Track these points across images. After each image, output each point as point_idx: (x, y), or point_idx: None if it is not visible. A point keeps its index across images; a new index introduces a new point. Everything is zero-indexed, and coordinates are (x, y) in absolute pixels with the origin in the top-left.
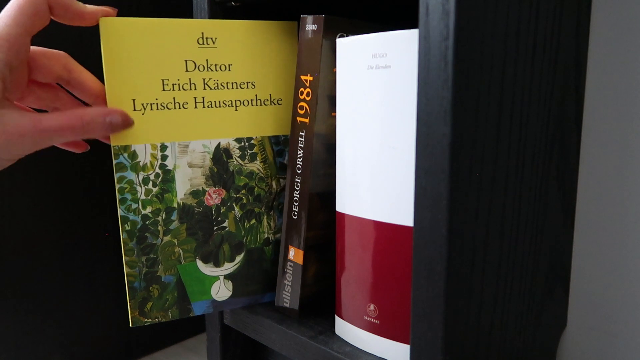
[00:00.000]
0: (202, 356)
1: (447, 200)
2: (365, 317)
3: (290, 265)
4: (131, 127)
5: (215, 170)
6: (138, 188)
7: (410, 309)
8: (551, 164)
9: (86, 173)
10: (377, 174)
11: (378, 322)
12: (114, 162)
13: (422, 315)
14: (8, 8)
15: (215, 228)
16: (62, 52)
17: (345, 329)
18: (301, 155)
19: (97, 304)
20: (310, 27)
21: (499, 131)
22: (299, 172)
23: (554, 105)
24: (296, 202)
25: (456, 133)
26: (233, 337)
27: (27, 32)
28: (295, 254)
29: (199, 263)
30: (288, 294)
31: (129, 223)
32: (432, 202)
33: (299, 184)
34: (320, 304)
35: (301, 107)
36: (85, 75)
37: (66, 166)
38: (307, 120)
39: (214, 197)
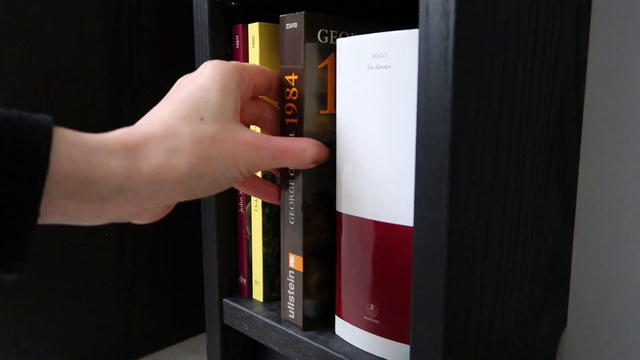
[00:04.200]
0: (202, 356)
1: (447, 200)
2: (365, 317)
3: (291, 274)
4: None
5: None
6: None
7: (410, 309)
8: (551, 164)
9: None
10: (377, 174)
11: (378, 322)
12: None
13: (422, 315)
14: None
15: None
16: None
17: (345, 329)
18: None
19: (97, 304)
20: (290, 25)
21: (499, 131)
22: (291, 174)
23: (554, 105)
24: (292, 207)
25: (456, 133)
26: (233, 337)
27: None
28: (295, 261)
29: None
30: (292, 305)
31: (268, 207)
32: (432, 202)
33: (292, 187)
34: (328, 314)
35: (288, 108)
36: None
37: None
38: (295, 121)
39: None
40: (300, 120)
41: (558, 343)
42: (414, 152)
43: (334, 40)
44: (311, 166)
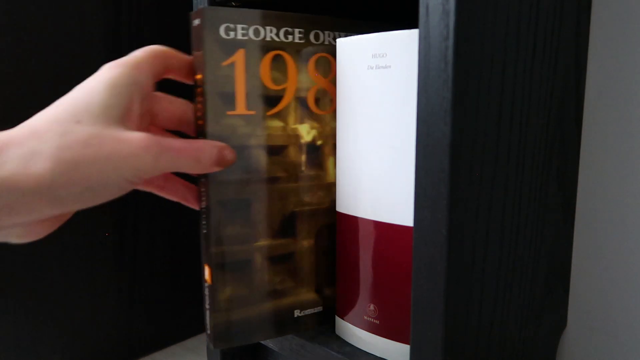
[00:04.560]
0: (202, 356)
1: (447, 200)
2: (365, 317)
3: (205, 287)
4: (230, 165)
5: None
6: None
7: (410, 309)
8: (551, 164)
9: None
10: (376, 174)
11: (378, 322)
12: None
13: (422, 315)
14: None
15: None
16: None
17: (345, 329)
18: None
19: (97, 304)
20: (195, 22)
21: (499, 131)
22: (202, 180)
23: (554, 105)
24: (203, 214)
25: (456, 133)
26: None
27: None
28: (208, 273)
29: None
30: (208, 319)
31: None
32: (432, 202)
33: (204, 193)
34: (250, 337)
35: (198, 109)
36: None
37: None
38: (202, 123)
39: None
40: (205, 121)
41: (558, 343)
42: (414, 152)
43: (243, 35)
44: (213, 170)
